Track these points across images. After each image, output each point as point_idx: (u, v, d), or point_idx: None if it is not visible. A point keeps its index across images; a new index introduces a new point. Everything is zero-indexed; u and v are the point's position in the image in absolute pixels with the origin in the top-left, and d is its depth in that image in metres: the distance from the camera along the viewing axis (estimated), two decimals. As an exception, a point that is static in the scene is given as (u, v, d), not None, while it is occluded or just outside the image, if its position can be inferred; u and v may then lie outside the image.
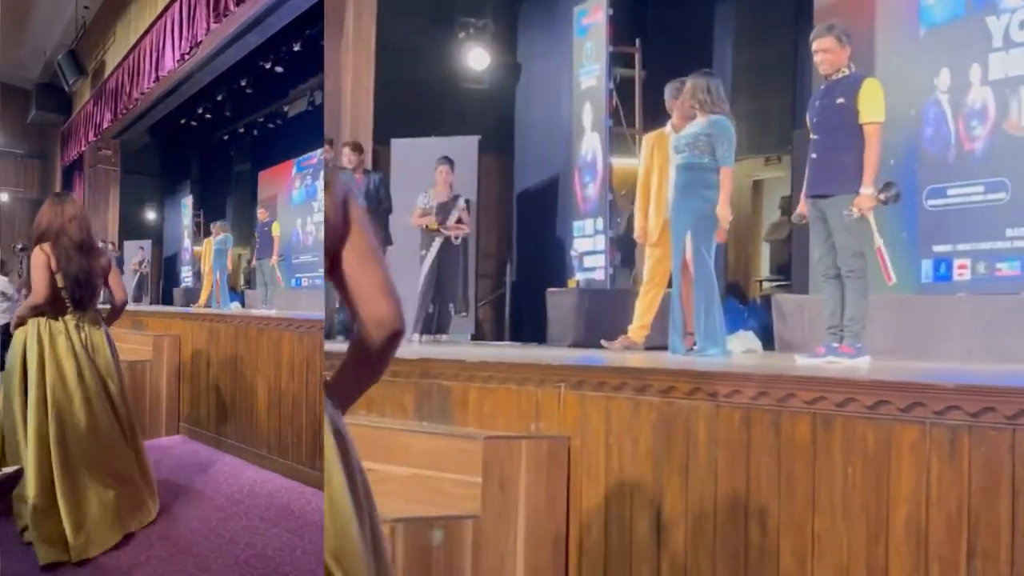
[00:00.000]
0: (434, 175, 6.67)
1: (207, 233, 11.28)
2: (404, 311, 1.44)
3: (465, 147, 7.91)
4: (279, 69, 10.73)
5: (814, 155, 4.06)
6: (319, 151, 12.13)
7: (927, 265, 5.30)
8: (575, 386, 2.74)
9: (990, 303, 4.81)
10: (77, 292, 3.89)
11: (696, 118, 4.68)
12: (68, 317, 3.92)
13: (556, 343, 6.56)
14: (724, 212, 4.57)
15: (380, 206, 6.66)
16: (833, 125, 3.97)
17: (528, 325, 7.88)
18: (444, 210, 6.54)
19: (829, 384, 2.27)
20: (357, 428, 3.16)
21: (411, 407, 3.18)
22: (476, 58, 8.59)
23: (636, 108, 7.07)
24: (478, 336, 7.93)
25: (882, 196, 3.88)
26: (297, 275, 12.19)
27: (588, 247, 6.94)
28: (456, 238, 6.56)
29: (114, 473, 3.93)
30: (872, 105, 3.89)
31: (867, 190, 3.85)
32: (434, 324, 6.53)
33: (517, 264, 8.64)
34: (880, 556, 2.16)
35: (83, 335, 3.98)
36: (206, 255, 11.06)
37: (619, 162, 7.17)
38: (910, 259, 5.29)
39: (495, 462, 2.57)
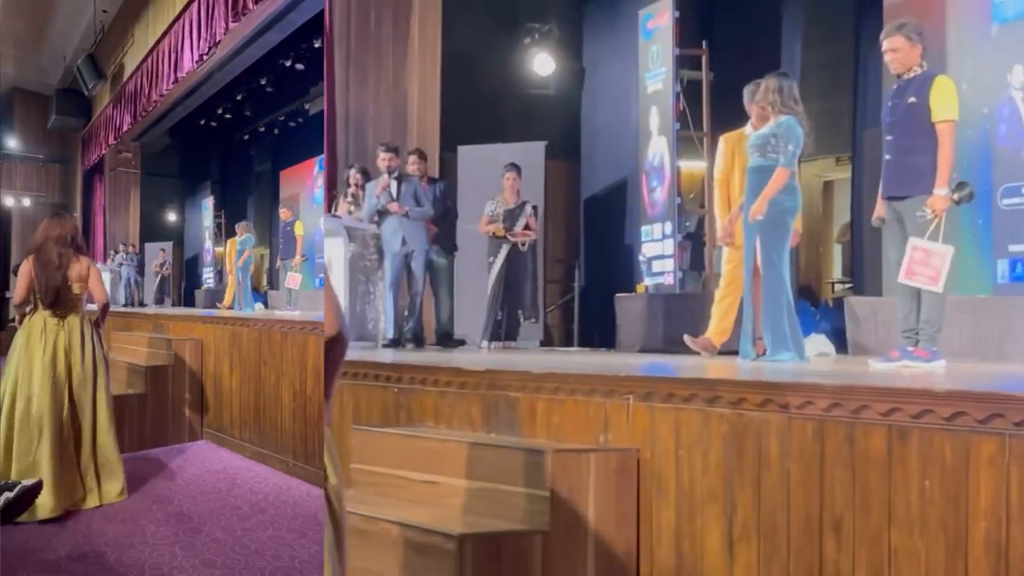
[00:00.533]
0: (501, 182, 6.72)
1: (229, 234, 11.23)
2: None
3: (532, 153, 7.92)
4: (300, 66, 10.76)
5: (888, 156, 4.00)
6: (340, 149, 12.02)
7: (1003, 265, 5.19)
8: (644, 397, 2.70)
9: None
10: (47, 297, 4.84)
11: (769, 120, 4.65)
12: (47, 314, 4.85)
13: (625, 349, 6.54)
14: (760, 207, 4.47)
15: (447, 214, 6.68)
16: (906, 125, 3.90)
17: (597, 330, 7.85)
18: (511, 217, 6.59)
19: (904, 395, 2.22)
20: (424, 441, 3.23)
21: (479, 419, 3.17)
22: (541, 63, 8.61)
23: (704, 111, 6.94)
24: (547, 342, 7.91)
25: (955, 196, 3.80)
26: (321, 275, 12.10)
27: (656, 251, 6.88)
28: (523, 244, 6.59)
29: (57, 454, 4.62)
30: (944, 103, 3.82)
31: (940, 191, 3.78)
32: (503, 331, 6.56)
33: (585, 269, 8.62)
34: (959, 572, 2.12)
35: (60, 330, 4.85)
36: (230, 255, 11.00)
37: (687, 166, 7.19)
38: (985, 259, 5.20)
39: (563, 475, 2.55)
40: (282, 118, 13.01)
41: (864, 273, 6.23)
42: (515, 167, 6.73)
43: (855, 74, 6.54)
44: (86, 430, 4.81)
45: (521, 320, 6.66)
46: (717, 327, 5.17)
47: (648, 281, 6.89)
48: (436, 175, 7.11)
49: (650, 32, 7.09)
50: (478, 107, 8.30)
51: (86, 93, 13.11)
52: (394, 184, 6.40)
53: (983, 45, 5.38)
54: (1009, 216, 5.13)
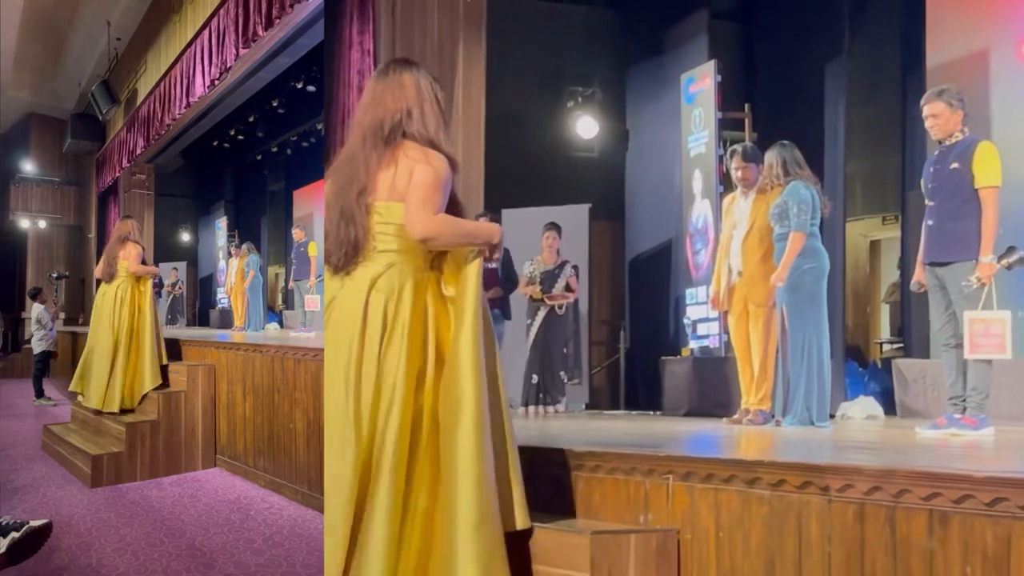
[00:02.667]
0: (540, 241, 6.61)
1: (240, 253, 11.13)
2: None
3: (576, 215, 7.91)
4: (311, 88, 10.72)
5: (930, 222, 3.96)
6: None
7: None
8: (684, 477, 2.63)
9: None
10: (104, 272, 6.74)
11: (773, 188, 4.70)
12: (105, 285, 6.76)
13: (671, 412, 6.49)
14: (781, 274, 4.49)
15: (509, 283, 6.60)
16: (949, 191, 3.86)
17: (643, 393, 7.81)
18: (551, 277, 6.48)
19: (945, 479, 2.15)
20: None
21: None
22: (585, 126, 8.52)
23: None
24: (592, 404, 7.82)
25: (1004, 262, 3.74)
26: (335, 296, 11.98)
27: (701, 315, 6.84)
28: (560, 307, 6.45)
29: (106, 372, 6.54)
30: (988, 169, 3.78)
31: (987, 258, 3.73)
32: (542, 395, 6.41)
33: (631, 331, 8.53)
34: (1001, 659, 2.07)
35: (114, 292, 6.60)
36: (239, 274, 10.91)
37: None
38: None
39: (603, 557, 2.45)
40: (294, 138, 12.99)
41: (913, 334, 6.16)
42: (555, 226, 6.61)
43: (902, 133, 6.54)
44: (132, 357, 6.52)
45: (565, 381, 6.49)
46: (745, 396, 5.04)
47: (693, 344, 6.85)
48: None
49: (692, 96, 7.09)
50: (522, 170, 8.26)
51: (100, 118, 13.17)
52: None
53: None
54: None
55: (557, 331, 6.46)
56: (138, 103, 11.98)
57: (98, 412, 6.61)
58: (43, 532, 3.98)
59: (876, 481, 2.22)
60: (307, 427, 5.47)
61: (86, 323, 14.55)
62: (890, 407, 5.62)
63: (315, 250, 9.91)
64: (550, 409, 6.34)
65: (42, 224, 15.76)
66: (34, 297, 10.58)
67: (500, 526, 2.34)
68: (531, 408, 6.34)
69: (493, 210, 7.42)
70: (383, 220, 2.46)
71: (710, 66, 6.89)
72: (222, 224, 14.18)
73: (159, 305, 13.03)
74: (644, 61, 8.44)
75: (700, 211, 6.95)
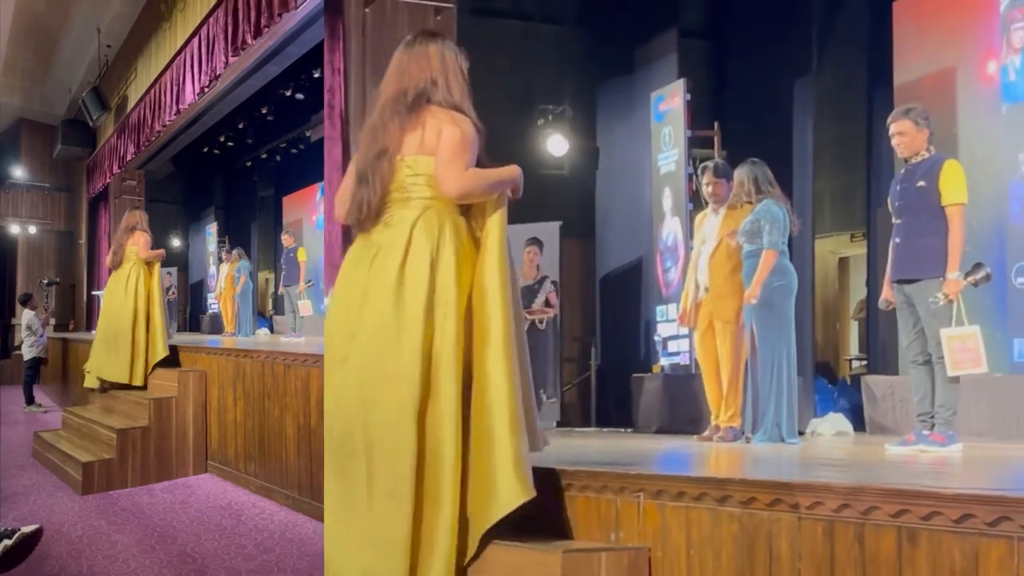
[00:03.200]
0: (520, 256, 6.53)
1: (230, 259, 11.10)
2: None
3: (547, 232, 7.71)
4: (300, 96, 10.69)
5: (897, 239, 3.94)
6: (342, 174, 11.88)
7: (1020, 344, 5.13)
8: (654, 495, 2.59)
9: None
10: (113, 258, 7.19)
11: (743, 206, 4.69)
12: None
13: (643, 429, 6.42)
14: (753, 292, 4.46)
15: None
16: (916, 209, 3.85)
17: (615, 410, 7.67)
18: (530, 293, 6.39)
19: (913, 496, 2.15)
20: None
21: None
22: (555, 144, 8.39)
23: None
24: (564, 422, 7.63)
25: (971, 279, 3.73)
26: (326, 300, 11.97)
27: (672, 332, 6.77)
28: (541, 322, 6.36)
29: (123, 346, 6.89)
30: (954, 187, 3.77)
31: (953, 275, 3.72)
32: None
33: (602, 348, 8.29)
34: (968, 671, 2.06)
35: (125, 274, 6.93)
36: (228, 280, 10.87)
37: None
38: (1002, 338, 5.13)
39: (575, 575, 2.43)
40: (284, 145, 12.92)
41: (880, 351, 6.15)
42: (536, 241, 6.52)
43: (868, 152, 6.49)
44: (148, 333, 6.84)
45: (544, 399, 6.41)
46: (714, 413, 5.02)
47: (664, 361, 6.78)
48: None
49: (662, 114, 7.04)
50: None
51: (91, 124, 13.04)
52: None
53: (994, 125, 5.36)
54: (1023, 295, 5.07)
55: (539, 347, 6.36)
56: (128, 109, 11.86)
57: (125, 386, 6.98)
58: (34, 537, 3.96)
59: (845, 498, 2.22)
60: (297, 432, 5.45)
61: (77, 329, 14.46)
62: (860, 423, 5.62)
63: (304, 255, 9.89)
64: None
65: (32, 230, 15.62)
66: (24, 303, 10.50)
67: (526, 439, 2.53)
68: None
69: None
70: (414, 172, 2.56)
71: (679, 84, 6.79)
72: (212, 230, 14.11)
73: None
74: (614, 79, 8.35)
75: (670, 229, 6.89)
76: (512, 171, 2.75)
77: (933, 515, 2.08)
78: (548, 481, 2.84)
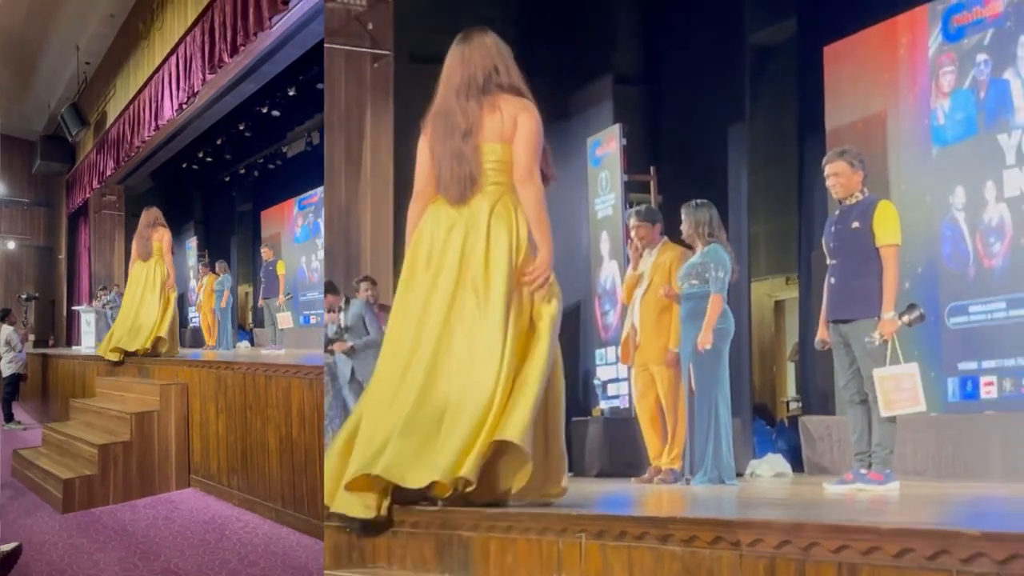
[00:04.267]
0: None
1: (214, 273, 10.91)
2: None
3: None
4: (276, 113, 10.64)
5: (832, 280, 3.89)
6: (319, 189, 11.88)
7: (953, 383, 5.12)
8: (596, 536, 2.55)
9: (1018, 421, 4.62)
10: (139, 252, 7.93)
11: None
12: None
13: (584, 472, 6.23)
14: (705, 338, 4.44)
15: None
16: (850, 250, 3.81)
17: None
18: None
19: (853, 532, 2.13)
20: (380, 584, 3.00)
21: (432, 559, 2.94)
22: None
23: None
24: None
25: (905, 319, 3.68)
26: (305, 312, 11.85)
27: (611, 375, 6.57)
28: None
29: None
30: (888, 228, 3.75)
31: (888, 315, 3.68)
32: None
33: None
34: None
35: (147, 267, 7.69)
36: (207, 294, 10.69)
37: None
38: (936, 377, 5.09)
39: None
40: (261, 161, 12.78)
41: (816, 392, 6.10)
42: None
43: (801, 195, 6.44)
44: (164, 312, 7.44)
45: None
46: (652, 454, 5.00)
47: (603, 404, 6.56)
48: (389, 302, 6.72)
49: (599, 159, 6.85)
50: None
51: (70, 139, 12.79)
52: (341, 315, 6.12)
53: (924, 168, 5.40)
54: (957, 335, 5.07)
55: None
56: (107, 125, 11.60)
57: (147, 354, 7.54)
58: (13, 556, 3.82)
59: (786, 535, 2.19)
60: (279, 444, 5.32)
61: (56, 345, 14.16)
62: (798, 464, 5.53)
63: (283, 268, 9.75)
64: None
65: (11, 245, 15.22)
66: (3, 319, 10.20)
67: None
68: None
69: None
70: (494, 158, 2.83)
71: (615, 130, 6.65)
72: (192, 244, 13.87)
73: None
74: (550, 125, 7.94)
75: (608, 272, 6.74)
76: (550, 248, 3.07)
77: (873, 550, 2.04)
78: (490, 523, 2.79)
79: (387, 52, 7.27)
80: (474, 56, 2.90)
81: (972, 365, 4.98)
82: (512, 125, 2.81)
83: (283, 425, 5.29)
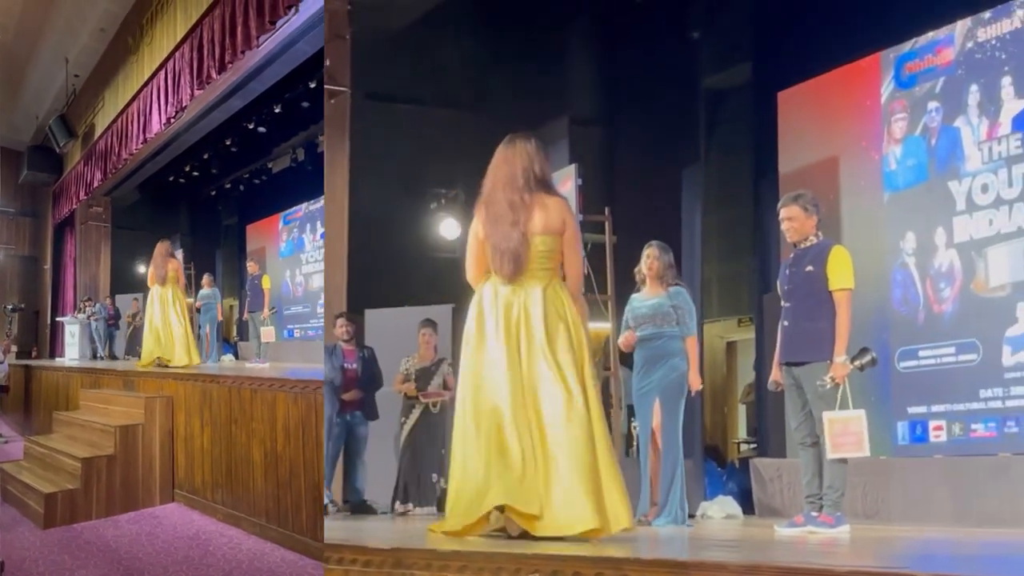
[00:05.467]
0: (414, 341, 6.08)
1: (200, 287, 10.74)
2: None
3: (440, 315, 7.07)
4: (262, 129, 10.53)
5: (786, 323, 3.84)
6: (304, 205, 11.77)
7: (903, 427, 5.06)
8: None
9: (967, 465, 4.58)
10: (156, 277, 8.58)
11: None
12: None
13: None
14: (695, 380, 4.48)
15: (373, 380, 6.13)
16: (804, 293, 3.77)
17: None
18: (426, 375, 5.93)
19: (806, 575, 2.06)
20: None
21: None
22: (448, 228, 7.91)
23: (608, 274, 6.42)
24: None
25: (857, 363, 3.65)
26: (289, 326, 11.72)
27: None
28: (435, 405, 5.86)
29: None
30: (841, 272, 3.71)
31: (840, 358, 3.64)
32: (411, 493, 5.76)
33: None
34: None
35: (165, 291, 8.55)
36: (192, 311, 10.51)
37: (592, 328, 6.60)
38: (886, 420, 5.04)
39: None
40: (247, 176, 12.62)
41: (769, 434, 6.03)
42: (431, 323, 6.12)
43: (755, 238, 6.31)
44: (183, 329, 8.35)
45: (437, 481, 5.78)
46: None
47: None
48: (334, 341, 6.39)
49: None
50: (386, 270, 7.67)
51: (57, 150, 12.59)
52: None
53: (876, 213, 5.38)
54: (907, 378, 5.03)
55: (432, 431, 5.85)
56: (95, 137, 11.40)
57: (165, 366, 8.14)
58: None
59: None
60: (264, 458, 5.21)
61: (40, 356, 13.86)
62: (748, 506, 5.43)
63: (268, 283, 9.62)
64: (418, 511, 5.64)
65: (-3, 255, 15.00)
66: (-15, 330, 10.01)
67: None
68: (397, 507, 5.70)
69: (356, 310, 6.90)
70: (544, 248, 3.17)
71: (571, 170, 6.48)
72: (179, 257, 13.73)
73: (116, 337, 12.66)
74: None
75: None
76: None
77: None
78: (442, 563, 2.73)
79: (344, 89, 7.21)
80: (516, 157, 3.31)
81: (922, 409, 4.95)
82: (559, 222, 3.21)
83: (268, 439, 5.19)
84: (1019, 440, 4.48)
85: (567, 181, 6.64)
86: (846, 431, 3.52)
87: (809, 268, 3.74)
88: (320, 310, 11.27)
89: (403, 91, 7.55)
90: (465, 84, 7.90)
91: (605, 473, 3.00)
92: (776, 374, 3.90)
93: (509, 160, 3.32)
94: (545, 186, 3.29)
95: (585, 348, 3.14)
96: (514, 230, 3.18)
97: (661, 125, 6.74)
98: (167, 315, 8.32)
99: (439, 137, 7.82)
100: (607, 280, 6.53)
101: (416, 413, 5.88)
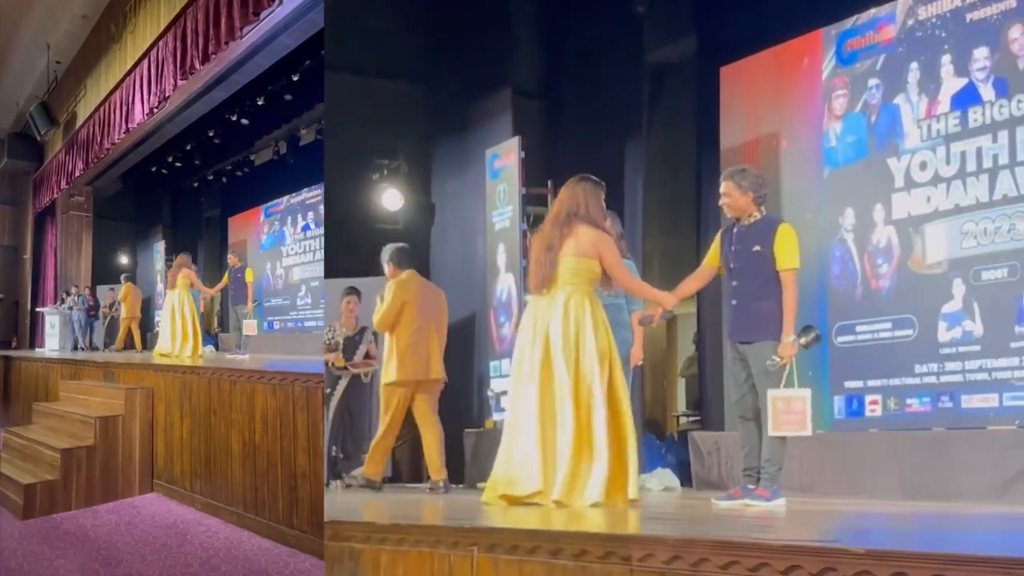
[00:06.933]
0: (339, 306, 5.93)
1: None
2: None
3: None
4: (244, 121, 10.43)
5: (734, 301, 3.81)
6: (286, 198, 11.79)
7: (839, 401, 5.06)
8: (488, 549, 2.47)
9: (902, 439, 4.59)
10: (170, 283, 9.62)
11: None
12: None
13: (474, 485, 6.00)
14: (638, 353, 4.62)
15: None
16: (751, 272, 3.73)
17: (447, 466, 7.34)
18: (351, 345, 5.75)
19: (742, 548, 2.07)
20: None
21: (321, 572, 2.92)
22: (390, 199, 7.78)
23: None
24: (395, 477, 6.87)
25: (803, 340, 3.65)
26: (269, 318, 11.75)
27: (505, 387, 6.27)
28: (366, 375, 5.73)
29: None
30: (788, 252, 3.69)
31: (788, 337, 3.63)
32: (346, 468, 5.60)
33: None
34: None
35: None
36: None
37: None
38: (823, 395, 5.03)
39: None
40: (230, 167, 12.44)
41: (709, 407, 6.00)
42: (354, 291, 5.94)
43: (697, 212, 6.15)
44: (192, 327, 9.38)
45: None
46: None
47: (496, 416, 6.33)
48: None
49: (497, 171, 6.64)
50: (327, 241, 7.59)
51: (38, 138, 12.43)
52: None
53: (815, 188, 5.28)
54: (844, 354, 5.02)
55: (361, 401, 5.74)
56: (77, 126, 11.21)
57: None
58: None
59: (676, 550, 2.14)
60: (243, 448, 5.27)
61: (20, 347, 13.81)
62: (686, 479, 5.43)
63: (251, 276, 9.64)
64: (352, 482, 5.43)
65: (-25, 243, 14.90)
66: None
67: None
68: (334, 483, 5.52)
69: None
70: (572, 266, 3.83)
71: (514, 142, 6.42)
72: (160, 248, 13.61)
73: (96, 327, 12.67)
74: (449, 136, 7.74)
75: (504, 284, 6.54)
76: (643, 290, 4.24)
77: (761, 566, 2.03)
78: (380, 536, 2.73)
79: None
80: (565, 198, 3.98)
81: (858, 384, 4.95)
82: (591, 248, 3.85)
83: (246, 430, 5.25)
84: (953, 415, 4.51)
85: (510, 154, 6.59)
86: (789, 409, 3.53)
87: (756, 248, 3.69)
88: (300, 302, 11.33)
89: (345, 61, 7.39)
90: (407, 56, 7.84)
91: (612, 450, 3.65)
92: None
93: (562, 200, 3.99)
94: (587, 220, 3.89)
95: (595, 341, 3.76)
96: (549, 254, 3.89)
97: (604, 99, 6.61)
98: (173, 315, 9.45)
99: (381, 108, 7.76)
100: (550, 253, 6.62)
101: (343, 383, 5.73)
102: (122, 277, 12.06)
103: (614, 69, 6.66)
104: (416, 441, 7.55)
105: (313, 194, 10.98)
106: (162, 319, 9.64)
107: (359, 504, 4.14)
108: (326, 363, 5.71)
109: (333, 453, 5.61)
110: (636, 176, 6.45)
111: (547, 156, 7.08)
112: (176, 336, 9.36)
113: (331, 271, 7.17)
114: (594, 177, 3.98)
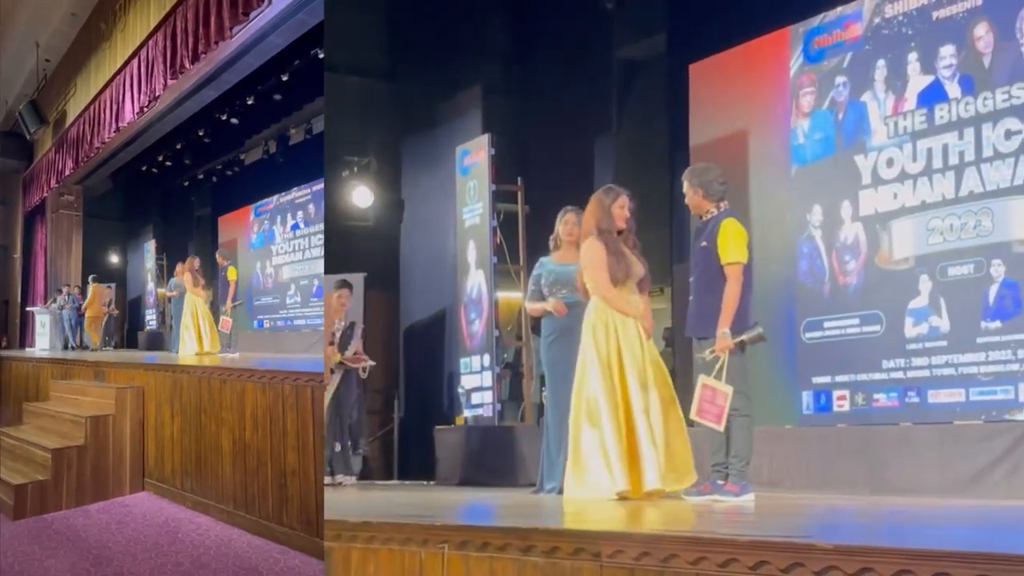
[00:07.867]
0: (331, 301, 5.89)
1: (172, 275, 10.81)
2: None
3: (352, 284, 6.62)
4: (234, 121, 10.36)
5: (691, 297, 3.85)
6: (275, 197, 11.80)
7: (807, 396, 5.07)
8: (459, 546, 2.47)
9: (870, 434, 4.61)
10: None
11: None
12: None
13: (445, 481, 6.04)
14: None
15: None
16: (702, 267, 3.74)
17: (417, 462, 7.03)
18: (345, 339, 5.69)
19: (710, 544, 2.08)
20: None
21: (311, 569, 2.93)
22: (360, 196, 7.77)
23: (520, 244, 6.38)
24: (366, 475, 6.78)
25: (745, 337, 3.59)
26: (259, 317, 11.79)
27: (475, 383, 6.34)
28: (364, 371, 5.72)
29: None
30: (730, 246, 3.64)
31: (722, 331, 3.59)
32: (346, 464, 5.57)
33: (405, 400, 7.66)
34: None
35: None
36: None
37: (504, 297, 6.63)
38: (791, 390, 5.06)
39: None
40: (220, 167, 12.35)
41: (684, 404, 6.08)
42: (347, 284, 5.91)
43: (669, 208, 6.09)
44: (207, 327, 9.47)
45: (363, 452, 5.81)
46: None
47: (467, 413, 6.34)
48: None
49: (467, 168, 6.61)
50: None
51: (28, 137, 12.25)
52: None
53: (783, 185, 5.27)
54: (812, 349, 5.02)
55: (355, 395, 5.69)
56: (67, 125, 11.08)
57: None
58: None
59: (645, 546, 2.14)
60: (233, 446, 5.31)
61: (10, 347, 13.78)
62: None
63: (235, 275, 9.65)
64: (343, 480, 5.42)
65: (-35, 242, 14.85)
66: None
67: None
68: (339, 477, 5.47)
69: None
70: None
71: (484, 139, 6.39)
72: (151, 247, 13.61)
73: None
74: (419, 133, 7.74)
75: (474, 281, 6.50)
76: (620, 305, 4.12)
77: (730, 562, 2.02)
78: (351, 533, 2.73)
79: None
80: (591, 212, 4.19)
81: (826, 379, 4.94)
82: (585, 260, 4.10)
83: (236, 428, 5.30)
84: (920, 410, 4.50)
85: (480, 150, 6.56)
86: (713, 400, 3.53)
87: (704, 243, 3.70)
88: (290, 301, 11.39)
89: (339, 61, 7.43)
90: (378, 52, 7.89)
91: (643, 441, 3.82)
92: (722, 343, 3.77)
93: (589, 210, 4.19)
94: (594, 232, 4.05)
95: (623, 340, 3.97)
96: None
97: (574, 96, 6.59)
98: (184, 315, 9.73)
99: (351, 104, 7.75)
100: (519, 250, 6.37)
101: (336, 378, 5.63)
102: (90, 278, 12.02)
103: (584, 66, 6.57)
104: (387, 437, 7.77)
105: (303, 193, 10.97)
106: (183, 323, 9.65)
107: (328, 502, 4.15)
108: (326, 357, 5.68)
109: (338, 449, 5.62)
110: (606, 172, 6.40)
111: (517, 153, 7.09)
112: (203, 337, 9.58)
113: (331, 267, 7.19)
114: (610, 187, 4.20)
